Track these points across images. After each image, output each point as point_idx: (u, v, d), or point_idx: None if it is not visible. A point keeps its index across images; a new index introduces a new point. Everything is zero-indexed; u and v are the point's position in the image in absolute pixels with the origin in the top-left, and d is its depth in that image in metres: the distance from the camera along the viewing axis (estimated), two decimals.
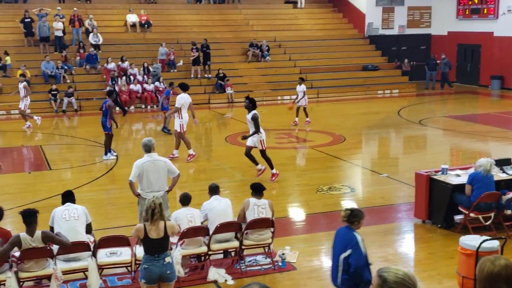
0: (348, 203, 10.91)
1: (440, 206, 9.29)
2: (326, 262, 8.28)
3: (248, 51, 27.95)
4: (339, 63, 29.08)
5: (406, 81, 29.01)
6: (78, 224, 7.37)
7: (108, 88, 21.22)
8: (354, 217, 5.99)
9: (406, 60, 30.11)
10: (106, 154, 14.40)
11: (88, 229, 7.61)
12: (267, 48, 28.14)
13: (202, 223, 7.80)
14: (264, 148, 12.17)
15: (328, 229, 9.53)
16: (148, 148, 8.29)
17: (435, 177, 9.45)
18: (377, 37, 30.99)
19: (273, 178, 12.17)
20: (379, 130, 18.95)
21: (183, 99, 14.20)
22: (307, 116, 18.95)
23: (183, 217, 7.64)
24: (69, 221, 7.30)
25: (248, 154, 12.22)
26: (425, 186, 9.45)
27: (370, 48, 30.83)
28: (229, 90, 25.12)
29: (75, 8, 26.15)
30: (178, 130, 14.16)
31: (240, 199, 8.80)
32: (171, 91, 17.66)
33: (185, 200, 7.86)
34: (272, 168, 12.24)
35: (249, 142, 12.14)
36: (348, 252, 5.79)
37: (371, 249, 8.51)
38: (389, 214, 10.34)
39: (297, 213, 10.72)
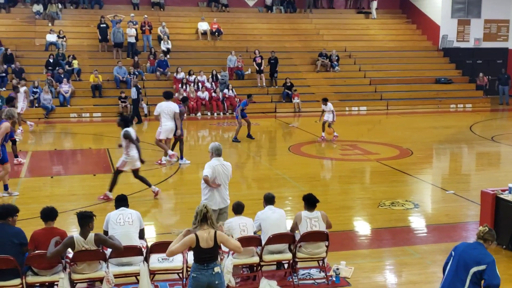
0: (411, 219, 10.43)
1: (506, 226, 8.70)
2: (383, 279, 7.94)
3: (317, 60, 27.70)
4: (411, 75, 28.32)
5: (481, 95, 27.86)
6: (132, 230, 7.37)
7: (183, 95, 21.66)
8: (490, 236, 5.85)
9: (481, 74, 28.90)
10: (181, 158, 14.53)
11: (141, 235, 7.60)
12: (336, 58, 27.78)
13: (255, 233, 7.62)
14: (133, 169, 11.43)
15: (388, 246, 9.14)
16: (219, 152, 8.31)
17: (501, 196, 8.87)
18: (451, 49, 29.97)
19: (156, 196, 11.61)
20: (449, 145, 18.16)
21: (160, 107, 14.33)
22: (333, 131, 18.13)
23: (235, 226, 7.49)
24: (124, 226, 7.31)
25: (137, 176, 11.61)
26: (491, 205, 8.89)
27: (444, 60, 29.86)
28: (296, 100, 24.93)
29: (145, 16, 26.83)
30: (156, 137, 14.36)
31: (299, 210, 8.55)
32: (248, 102, 17.77)
33: (238, 208, 7.72)
34: (150, 186, 11.60)
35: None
36: (483, 267, 5.65)
37: (433, 268, 8.07)
38: (453, 233, 9.79)
39: (356, 227, 10.35)
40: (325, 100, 18.16)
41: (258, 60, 25.75)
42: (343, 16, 31.99)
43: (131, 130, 11.11)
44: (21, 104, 18.90)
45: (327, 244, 7.65)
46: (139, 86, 22.32)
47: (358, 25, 31.32)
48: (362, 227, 10.31)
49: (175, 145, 14.77)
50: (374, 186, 13.06)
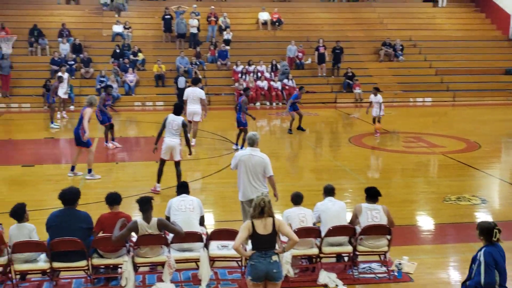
0: (477, 215, 10.04)
1: None
2: (447, 275, 7.70)
3: (380, 50, 27.12)
4: (479, 66, 27.28)
5: None
6: (193, 216, 7.47)
7: (244, 85, 21.80)
8: None
9: None
10: (241, 147, 14.56)
11: (201, 222, 7.68)
12: (401, 47, 27.10)
13: (314, 224, 7.53)
14: None
15: (452, 241, 8.85)
16: (250, 142, 8.15)
17: None
18: None
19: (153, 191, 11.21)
20: None
21: (187, 92, 15.24)
22: (380, 127, 17.29)
23: (294, 216, 7.42)
24: (185, 212, 7.42)
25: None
26: None
27: None
28: (357, 90, 24.53)
29: (212, 6, 27.03)
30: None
31: (358, 203, 8.39)
32: (299, 95, 17.56)
33: (297, 199, 7.64)
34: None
35: None
36: None
37: None
38: None
39: (419, 222, 10.06)
40: (376, 90, 17.25)
41: (322, 50, 25.46)
42: (408, 4, 31.16)
43: None
44: (64, 90, 19.76)
45: (389, 238, 7.47)
46: (185, 76, 22.64)
47: (424, 14, 30.42)
48: (426, 222, 10.02)
49: (240, 136, 14.80)
50: (439, 180, 12.67)
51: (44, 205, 9.49)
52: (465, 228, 9.41)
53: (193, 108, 15.04)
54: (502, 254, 5.89)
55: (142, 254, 7.04)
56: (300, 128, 17.64)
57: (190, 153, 11.29)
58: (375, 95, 17.01)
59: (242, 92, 16.33)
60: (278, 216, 6.62)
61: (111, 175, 12.75)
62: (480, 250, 5.88)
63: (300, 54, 25.89)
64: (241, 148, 14.60)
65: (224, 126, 18.97)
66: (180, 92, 21.99)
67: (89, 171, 12.05)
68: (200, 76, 21.70)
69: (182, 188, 7.79)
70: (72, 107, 22.07)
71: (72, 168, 12.21)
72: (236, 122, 14.80)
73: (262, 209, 5.94)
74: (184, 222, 7.27)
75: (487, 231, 5.91)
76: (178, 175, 10.83)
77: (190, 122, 15.07)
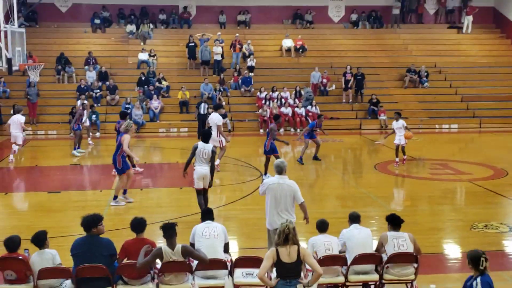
0: (506, 243, 9.80)
1: None
2: None
3: (405, 76, 27.05)
4: (505, 92, 26.99)
5: None
6: (217, 243, 7.41)
7: (268, 112, 21.90)
8: None
9: None
10: (265, 174, 14.44)
11: (226, 249, 7.62)
12: (426, 73, 27.00)
13: (340, 252, 7.42)
14: None
15: None
16: (279, 170, 8.07)
17: None
18: None
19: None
20: None
21: (210, 118, 15.45)
22: (404, 154, 16.38)
23: (320, 244, 7.33)
24: (209, 239, 7.36)
25: None
26: None
27: None
28: (382, 116, 24.41)
29: (237, 34, 27.34)
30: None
31: (385, 230, 8.26)
32: (317, 124, 17.02)
33: (323, 226, 7.55)
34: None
35: None
36: None
37: None
38: None
39: (447, 250, 9.86)
40: (398, 115, 16.47)
41: (348, 76, 25.48)
42: (433, 31, 31.10)
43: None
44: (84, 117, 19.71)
45: (416, 266, 7.32)
46: (208, 103, 22.76)
47: (449, 40, 30.32)
48: (453, 250, 9.83)
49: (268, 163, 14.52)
50: (466, 207, 12.48)
51: (70, 231, 9.54)
52: (493, 256, 9.13)
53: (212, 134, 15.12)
54: (491, 283, 5.78)
55: (167, 281, 7.00)
56: (315, 157, 16.98)
57: (211, 185, 11.01)
58: (397, 120, 16.31)
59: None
60: (303, 244, 6.56)
61: (135, 201, 12.79)
62: (472, 279, 5.81)
63: (325, 80, 25.93)
64: (265, 174, 14.57)
65: (248, 153, 19.00)
66: (201, 117, 22.16)
67: (115, 197, 12.12)
68: (223, 102, 21.80)
69: (207, 215, 7.76)
70: (98, 134, 22.37)
71: (124, 192, 12.30)
72: (265, 149, 14.59)
73: (286, 236, 5.89)
74: (208, 249, 7.21)
75: (475, 260, 5.80)
76: (206, 202, 10.81)
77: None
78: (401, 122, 16.22)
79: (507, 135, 22.95)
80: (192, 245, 7.40)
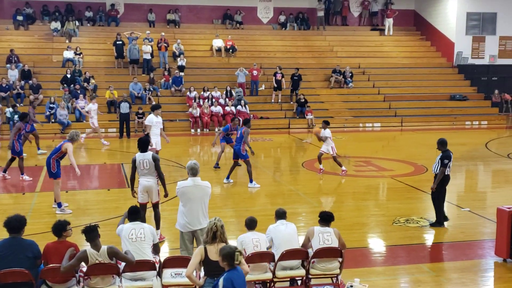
0: (426, 237, 10.33)
1: None
2: None
3: (331, 77, 27.73)
4: (425, 92, 28.28)
5: (496, 112, 27.66)
6: (145, 245, 7.27)
7: (198, 111, 21.83)
8: None
9: (496, 91, 28.77)
10: (251, 182, 13.94)
11: (156, 250, 7.54)
12: (350, 74, 27.80)
13: (267, 248, 7.58)
14: None
15: (402, 263, 9.04)
16: (193, 172, 8.01)
17: None
18: (466, 66, 29.88)
19: None
20: (465, 162, 18.00)
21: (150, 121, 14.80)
22: (340, 165, 15.45)
23: (248, 241, 7.44)
24: (136, 242, 7.21)
25: None
26: (507, 223, 8.75)
27: (459, 77, 29.77)
28: (309, 116, 24.95)
29: (162, 33, 27.11)
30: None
31: (312, 226, 8.50)
32: (230, 127, 16.01)
33: (251, 224, 7.66)
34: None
35: None
36: None
37: (449, 286, 7.98)
38: (469, 251, 9.67)
39: (370, 244, 10.26)
40: (325, 123, 15.36)
41: (279, 76, 25.83)
42: (357, 33, 32.09)
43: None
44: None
45: (341, 260, 7.59)
46: (130, 102, 22.59)
47: (372, 42, 31.38)
48: (377, 244, 10.22)
49: (234, 168, 14.26)
50: (388, 202, 12.99)
51: None
52: (414, 249, 9.65)
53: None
54: (242, 277, 5.85)
55: (93, 285, 6.86)
56: (216, 165, 15.69)
57: (166, 195, 9.74)
58: (324, 129, 15.31)
59: (243, 124, 14.75)
60: (232, 242, 6.65)
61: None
62: (221, 276, 5.74)
63: (255, 72, 26.08)
64: (227, 178, 14.10)
65: (179, 153, 18.92)
66: (122, 117, 21.91)
67: (59, 205, 11.58)
68: (153, 102, 21.60)
69: (133, 215, 7.48)
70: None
71: (59, 205, 11.62)
72: (234, 154, 14.18)
73: (214, 234, 5.95)
74: (134, 252, 7.07)
75: (230, 256, 5.73)
76: (157, 219, 9.78)
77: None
78: (327, 132, 15.29)
79: (427, 133, 24.04)
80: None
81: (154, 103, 22.14)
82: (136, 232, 7.28)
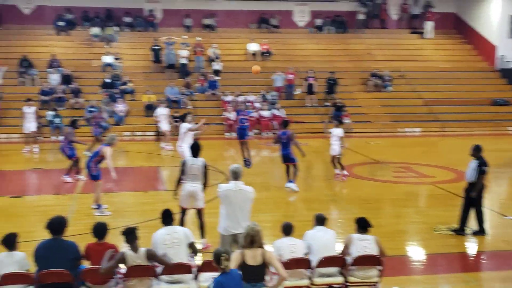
0: (467, 245, 10.04)
1: None
2: None
3: (369, 81, 27.41)
4: (466, 96, 27.65)
5: None
6: (180, 250, 7.23)
7: (233, 114, 21.89)
8: None
9: None
10: (291, 182, 13.89)
11: (194, 249, 7.44)
12: (389, 78, 27.42)
13: (304, 254, 7.47)
14: None
15: (443, 272, 8.82)
16: (235, 176, 7.99)
17: None
18: (509, 70, 29.09)
19: None
20: (508, 169, 17.51)
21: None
22: (342, 169, 15.25)
23: (285, 247, 7.35)
24: (171, 248, 7.16)
25: None
26: None
27: (501, 82, 29.03)
28: (346, 120, 24.66)
29: (198, 38, 27.29)
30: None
31: (350, 233, 8.36)
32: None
33: (288, 229, 7.58)
34: None
35: None
36: None
37: None
38: (511, 260, 9.36)
39: (410, 252, 10.03)
40: (338, 122, 15.14)
41: (311, 80, 25.68)
42: (396, 36, 31.67)
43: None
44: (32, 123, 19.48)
45: (380, 268, 7.43)
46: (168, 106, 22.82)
47: (412, 45, 30.93)
48: (416, 252, 10.00)
49: (289, 171, 14.08)
50: (429, 210, 12.71)
51: (32, 236, 9.34)
52: (456, 258, 9.41)
53: None
54: (235, 282, 5.79)
55: (131, 287, 6.89)
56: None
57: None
58: (337, 127, 14.88)
59: (283, 126, 14.39)
60: (268, 247, 6.58)
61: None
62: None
63: (291, 76, 25.98)
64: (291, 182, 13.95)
65: (213, 156, 18.94)
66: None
67: (99, 206, 11.80)
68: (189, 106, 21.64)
69: (166, 218, 7.42)
70: (61, 137, 21.94)
71: (99, 207, 11.83)
72: (284, 157, 13.86)
73: (252, 239, 5.90)
74: (171, 257, 7.05)
75: (215, 259, 5.81)
76: (202, 226, 9.68)
77: None
78: (340, 131, 14.89)
79: (468, 139, 23.42)
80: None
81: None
82: (170, 237, 7.24)
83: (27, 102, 19.98)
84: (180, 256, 7.19)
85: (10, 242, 6.90)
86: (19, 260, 6.83)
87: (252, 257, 5.91)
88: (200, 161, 9.50)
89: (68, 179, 14.66)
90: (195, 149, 9.56)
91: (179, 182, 9.55)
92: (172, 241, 7.19)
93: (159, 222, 7.50)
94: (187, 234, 7.41)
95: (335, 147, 14.87)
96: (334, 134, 14.83)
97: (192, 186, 9.48)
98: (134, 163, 18.29)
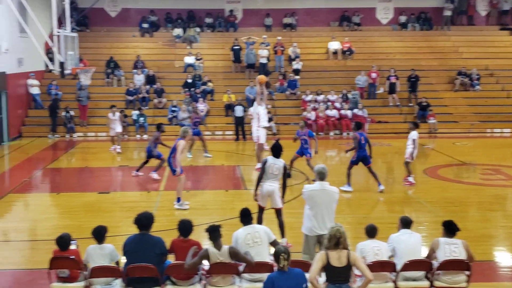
0: None
1: None
2: None
3: (456, 79, 26.41)
4: None
5: None
6: (262, 250, 7.26)
7: (313, 114, 21.79)
8: None
9: None
10: (380, 184, 13.66)
11: (274, 245, 7.48)
12: (477, 76, 26.28)
13: (389, 257, 7.28)
14: None
15: None
16: (321, 176, 7.89)
17: None
18: None
19: None
20: None
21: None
22: (409, 174, 14.50)
23: (369, 249, 7.20)
24: (253, 248, 7.20)
25: None
26: None
27: None
28: (431, 120, 23.89)
29: (279, 37, 27.31)
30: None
31: (434, 237, 8.06)
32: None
33: (372, 231, 7.41)
34: None
35: None
36: None
37: None
38: None
39: (499, 258, 9.54)
40: (413, 125, 14.31)
41: (393, 79, 25.06)
42: (484, 33, 30.25)
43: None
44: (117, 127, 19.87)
45: (468, 273, 7.11)
46: (244, 106, 22.86)
47: (501, 42, 29.45)
48: (506, 258, 9.50)
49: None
50: None
51: (119, 231, 9.71)
52: None
53: None
54: (291, 282, 5.67)
55: (214, 283, 7.01)
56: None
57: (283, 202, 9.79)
58: (412, 130, 14.20)
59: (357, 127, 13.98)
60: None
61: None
62: None
63: (374, 75, 25.48)
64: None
65: (291, 156, 18.88)
66: (237, 120, 22.34)
67: (178, 199, 12.22)
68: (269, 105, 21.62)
69: (246, 217, 7.46)
70: (145, 136, 22.71)
71: (178, 200, 12.28)
72: (363, 159, 13.57)
73: (338, 240, 5.83)
74: (254, 257, 7.07)
75: (275, 256, 5.94)
76: (281, 226, 9.68)
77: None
78: (413, 134, 14.12)
79: None
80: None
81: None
82: (252, 237, 7.28)
83: (111, 109, 20.02)
84: (262, 255, 7.21)
85: (100, 234, 7.21)
86: (110, 253, 7.14)
87: (337, 259, 5.84)
88: (280, 161, 9.50)
89: (155, 175, 15.12)
90: (277, 150, 9.53)
91: (259, 181, 9.54)
92: (253, 241, 7.24)
93: (237, 221, 7.56)
94: (268, 232, 7.44)
95: (407, 150, 14.24)
96: (409, 137, 14.17)
97: (270, 185, 9.51)
98: (214, 162, 18.58)
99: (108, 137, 20.70)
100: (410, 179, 14.43)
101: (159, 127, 15.72)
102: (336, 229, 5.90)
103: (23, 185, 14.80)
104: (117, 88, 25.97)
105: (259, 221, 9.47)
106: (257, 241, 7.24)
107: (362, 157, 13.59)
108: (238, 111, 22.48)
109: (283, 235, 9.60)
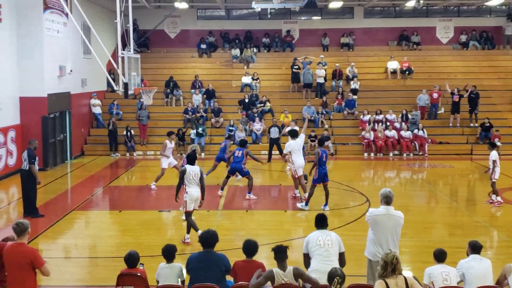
0: None
1: None
2: None
3: None
4: None
5: None
6: (332, 252, 7.36)
7: (372, 134, 21.34)
8: None
9: None
10: None
11: (342, 260, 7.46)
12: None
13: (457, 283, 6.99)
14: None
15: None
16: (387, 200, 7.66)
17: None
18: None
19: None
20: None
21: (290, 146, 14.56)
22: (495, 194, 14.31)
23: (437, 274, 6.97)
24: (324, 248, 7.34)
25: None
26: None
27: None
28: (496, 142, 23.04)
29: (337, 64, 27.16)
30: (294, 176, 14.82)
31: (503, 262, 7.70)
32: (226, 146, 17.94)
33: (440, 256, 7.18)
34: None
35: None
36: None
37: None
38: None
39: None
40: (491, 146, 14.38)
41: (456, 98, 24.35)
42: None
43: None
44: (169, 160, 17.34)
45: None
46: (280, 126, 22.73)
47: None
48: None
49: None
50: None
51: (180, 249, 9.75)
52: None
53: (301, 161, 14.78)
54: None
55: None
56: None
57: (201, 205, 11.44)
58: (491, 151, 14.24)
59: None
60: (407, 273, 6.22)
61: (241, 223, 12.92)
62: None
63: (435, 95, 24.90)
64: None
65: (351, 177, 18.63)
66: (272, 141, 22.32)
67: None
68: (296, 128, 20.36)
69: (321, 222, 7.64)
70: (202, 155, 22.93)
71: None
72: None
73: (395, 267, 5.70)
74: (323, 258, 7.22)
75: (329, 278, 6.13)
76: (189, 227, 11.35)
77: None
78: (493, 154, 14.11)
79: None
80: (306, 255, 7.47)
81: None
82: (323, 239, 7.43)
83: (170, 137, 17.05)
84: (331, 258, 7.26)
85: (170, 254, 7.30)
86: (178, 273, 7.19)
87: (395, 285, 5.68)
88: (196, 168, 11.25)
89: (253, 197, 15.20)
90: (191, 158, 11.41)
91: (179, 188, 11.26)
92: (325, 242, 7.38)
93: (296, 242, 7.52)
94: (340, 241, 7.53)
95: (490, 172, 14.32)
96: (490, 158, 14.30)
97: (196, 191, 11.18)
98: (270, 181, 18.52)
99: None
100: (498, 198, 14.30)
101: (243, 144, 15.86)
102: (392, 256, 5.75)
103: (86, 203, 15.17)
104: (176, 107, 26.43)
105: (194, 223, 11.22)
106: (328, 243, 7.39)
107: (323, 174, 13.58)
108: (273, 132, 22.38)
109: (188, 232, 11.09)
